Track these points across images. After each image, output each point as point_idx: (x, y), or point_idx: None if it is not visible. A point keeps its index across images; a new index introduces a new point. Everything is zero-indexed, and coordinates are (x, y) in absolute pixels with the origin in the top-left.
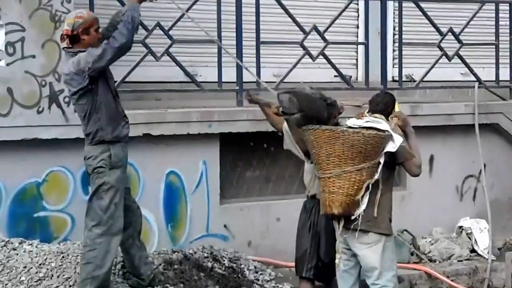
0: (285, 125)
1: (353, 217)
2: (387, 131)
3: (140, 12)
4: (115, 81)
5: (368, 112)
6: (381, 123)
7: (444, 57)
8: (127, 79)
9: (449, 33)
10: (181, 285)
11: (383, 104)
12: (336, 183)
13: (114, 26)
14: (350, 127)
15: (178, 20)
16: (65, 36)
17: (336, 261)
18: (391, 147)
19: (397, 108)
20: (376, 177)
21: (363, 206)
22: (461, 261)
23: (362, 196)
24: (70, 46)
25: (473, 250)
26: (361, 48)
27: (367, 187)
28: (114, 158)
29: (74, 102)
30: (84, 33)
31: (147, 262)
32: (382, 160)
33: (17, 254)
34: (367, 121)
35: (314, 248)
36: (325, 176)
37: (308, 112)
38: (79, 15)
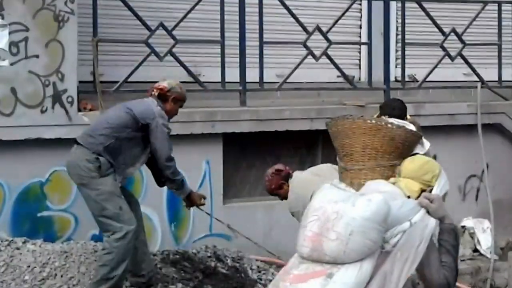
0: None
1: None
2: (418, 132)
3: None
4: (118, 81)
5: (383, 116)
6: (409, 125)
7: (446, 57)
8: (130, 79)
9: (452, 33)
10: (184, 284)
11: (399, 110)
12: (369, 176)
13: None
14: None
15: (182, 20)
16: (156, 90)
17: None
18: (420, 149)
19: (408, 115)
20: None
21: None
22: (463, 260)
23: None
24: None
25: (475, 250)
26: (364, 48)
27: None
28: (104, 166)
29: (121, 112)
30: (173, 101)
31: (149, 259)
32: None
33: (21, 253)
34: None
35: None
36: (357, 168)
37: None
38: (180, 86)
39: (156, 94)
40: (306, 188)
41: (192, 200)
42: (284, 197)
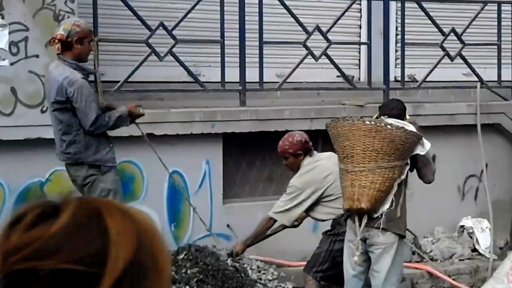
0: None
1: (375, 215)
2: (418, 132)
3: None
4: (118, 81)
5: (382, 116)
6: (408, 125)
7: (446, 57)
8: (130, 79)
9: (452, 34)
10: (184, 284)
11: (398, 110)
12: (369, 178)
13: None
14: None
15: (182, 20)
16: (57, 40)
17: (356, 258)
18: (420, 150)
19: (407, 115)
20: (403, 177)
21: (387, 205)
22: (462, 260)
23: (388, 195)
24: (60, 52)
25: (474, 250)
26: (363, 48)
27: (395, 186)
28: (101, 167)
29: (50, 112)
30: (78, 42)
31: None
32: (408, 162)
33: None
34: (391, 123)
35: (330, 253)
36: (358, 169)
37: None
38: (77, 23)
39: (59, 47)
40: (324, 178)
41: (133, 116)
42: (290, 165)
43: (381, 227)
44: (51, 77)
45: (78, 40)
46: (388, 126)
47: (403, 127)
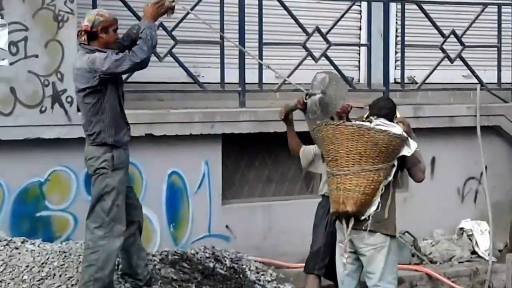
0: (302, 149)
1: (362, 217)
2: (402, 134)
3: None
4: None
5: (372, 116)
6: (394, 126)
7: (446, 59)
8: (130, 80)
9: (452, 35)
10: (183, 285)
11: (386, 109)
12: (354, 181)
13: (130, 36)
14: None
15: (181, 20)
16: (83, 32)
17: (344, 260)
18: (406, 151)
19: (398, 114)
20: (389, 179)
21: (374, 207)
22: (461, 262)
23: (374, 197)
24: (87, 43)
25: (473, 252)
26: (363, 50)
27: (382, 188)
28: (117, 160)
29: (79, 100)
30: (103, 31)
31: (146, 263)
32: (396, 163)
33: (20, 253)
34: (377, 124)
35: (328, 246)
36: (342, 173)
37: (326, 97)
38: (100, 13)
39: (85, 37)
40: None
41: (156, 15)
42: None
43: (368, 229)
44: (75, 67)
45: (103, 29)
46: (371, 130)
47: (386, 131)
